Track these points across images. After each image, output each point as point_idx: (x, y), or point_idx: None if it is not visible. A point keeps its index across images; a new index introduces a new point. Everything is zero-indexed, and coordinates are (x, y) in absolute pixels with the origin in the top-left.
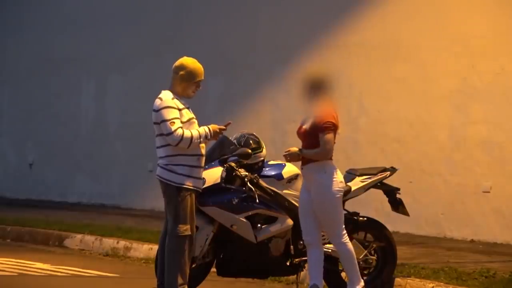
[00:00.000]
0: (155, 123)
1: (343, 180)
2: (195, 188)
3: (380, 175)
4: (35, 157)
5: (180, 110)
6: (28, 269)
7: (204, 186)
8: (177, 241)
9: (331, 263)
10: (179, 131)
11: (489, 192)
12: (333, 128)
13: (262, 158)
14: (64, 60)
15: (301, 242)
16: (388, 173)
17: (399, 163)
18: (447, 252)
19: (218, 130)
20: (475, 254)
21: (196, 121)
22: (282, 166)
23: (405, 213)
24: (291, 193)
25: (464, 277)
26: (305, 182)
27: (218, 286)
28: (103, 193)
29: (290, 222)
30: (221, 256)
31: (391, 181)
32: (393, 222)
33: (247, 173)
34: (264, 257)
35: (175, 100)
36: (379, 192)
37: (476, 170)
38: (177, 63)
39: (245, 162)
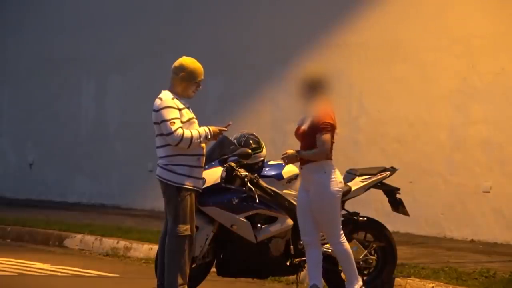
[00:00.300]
0: (155, 123)
1: (342, 180)
2: (195, 188)
3: (380, 175)
4: (35, 157)
5: (180, 110)
6: (28, 269)
7: (204, 186)
8: (177, 241)
9: (331, 263)
10: (179, 131)
11: (489, 192)
12: (331, 128)
13: (262, 158)
14: (64, 60)
15: (301, 242)
16: (388, 173)
17: (399, 163)
18: (447, 252)
19: (218, 131)
20: (475, 254)
21: (196, 121)
22: (282, 166)
23: (405, 213)
24: (291, 193)
25: (464, 277)
26: (303, 182)
27: (218, 286)
28: (103, 193)
29: (290, 222)
30: (221, 256)
31: (391, 181)
32: (393, 222)
33: (247, 173)
34: (264, 257)
35: (175, 100)
36: (379, 192)
37: (476, 170)
38: (177, 63)
39: (245, 162)
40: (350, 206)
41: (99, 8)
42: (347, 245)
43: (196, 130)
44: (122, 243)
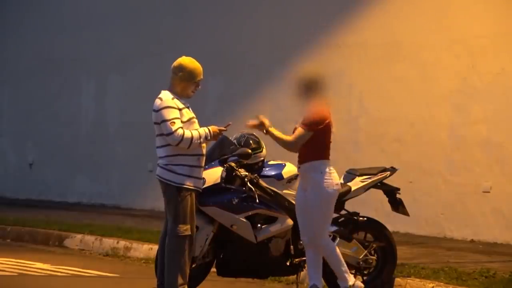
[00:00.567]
0: (155, 123)
1: (339, 181)
2: (195, 188)
3: (380, 175)
4: (35, 157)
5: (180, 109)
6: (28, 269)
7: (204, 186)
8: (177, 241)
9: None
10: (180, 131)
11: (489, 192)
12: (312, 127)
13: (262, 158)
14: (64, 60)
15: (301, 242)
16: (388, 173)
17: (399, 163)
18: (447, 252)
19: (218, 131)
20: (475, 254)
21: (196, 121)
22: (282, 166)
23: (405, 213)
24: (291, 193)
25: (464, 277)
26: (301, 182)
27: (218, 286)
28: (103, 193)
29: (290, 222)
30: (221, 256)
31: (391, 181)
32: (393, 222)
33: (247, 173)
34: (264, 257)
35: (175, 100)
36: (379, 192)
37: (476, 170)
38: (176, 63)
39: (245, 162)
40: (350, 206)
41: (99, 8)
42: (332, 244)
43: (196, 131)
44: (122, 243)
